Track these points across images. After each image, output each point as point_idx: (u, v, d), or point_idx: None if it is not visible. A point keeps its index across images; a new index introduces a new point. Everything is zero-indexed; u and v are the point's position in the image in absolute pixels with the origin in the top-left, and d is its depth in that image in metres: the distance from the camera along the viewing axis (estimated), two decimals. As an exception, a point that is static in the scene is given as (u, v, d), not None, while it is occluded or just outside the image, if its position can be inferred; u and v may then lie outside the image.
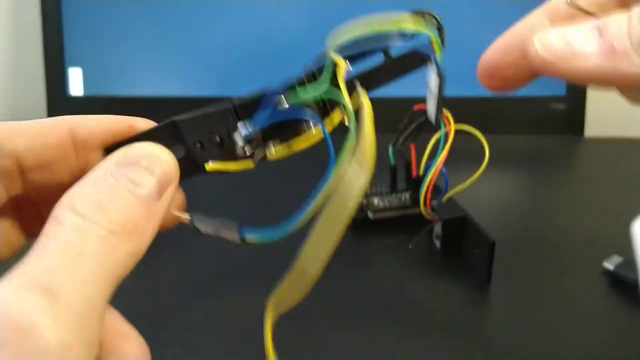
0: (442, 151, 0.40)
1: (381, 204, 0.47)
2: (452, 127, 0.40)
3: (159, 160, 0.22)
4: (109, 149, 0.23)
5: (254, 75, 0.62)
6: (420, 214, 0.44)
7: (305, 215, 0.20)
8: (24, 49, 0.71)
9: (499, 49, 0.28)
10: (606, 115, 0.68)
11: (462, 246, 0.43)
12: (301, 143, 0.24)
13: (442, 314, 0.39)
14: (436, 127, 0.33)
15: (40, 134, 0.22)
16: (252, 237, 0.23)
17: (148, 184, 0.21)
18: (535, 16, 0.28)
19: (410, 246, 0.44)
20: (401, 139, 0.43)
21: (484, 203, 0.51)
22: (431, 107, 0.27)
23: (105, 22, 0.65)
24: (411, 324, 0.38)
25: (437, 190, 0.43)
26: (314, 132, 0.23)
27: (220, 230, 0.24)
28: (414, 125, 0.42)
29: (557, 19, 0.27)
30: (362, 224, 0.47)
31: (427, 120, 0.28)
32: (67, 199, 0.20)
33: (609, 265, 0.41)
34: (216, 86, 0.65)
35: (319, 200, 0.21)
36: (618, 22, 0.23)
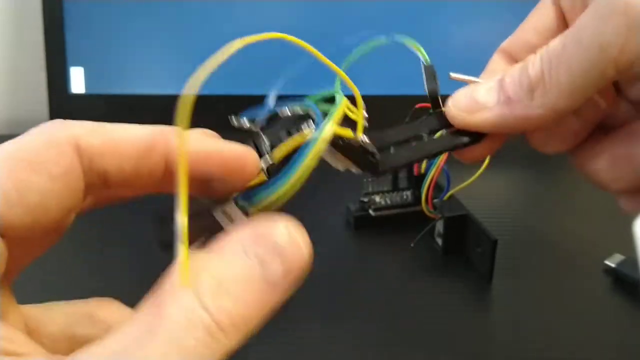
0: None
1: (383, 202, 0.47)
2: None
3: (298, 254, 0.19)
4: (237, 198, 0.21)
5: (254, 74, 0.62)
6: (422, 212, 0.44)
7: (295, 173, 0.20)
8: (26, 48, 0.71)
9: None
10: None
11: (463, 244, 0.43)
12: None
13: (443, 311, 0.39)
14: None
15: (136, 155, 0.20)
16: (244, 202, 0.21)
17: (276, 273, 0.18)
18: (494, 65, 0.29)
19: (411, 244, 0.44)
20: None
21: (486, 201, 0.51)
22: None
23: (106, 21, 0.65)
24: (412, 322, 0.38)
25: (438, 188, 0.43)
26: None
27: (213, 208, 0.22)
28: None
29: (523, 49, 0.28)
30: (363, 222, 0.47)
31: (429, 118, 0.28)
32: (192, 263, 0.18)
33: (611, 263, 0.41)
34: (216, 85, 0.65)
35: (307, 158, 0.20)
36: (512, 74, 0.26)
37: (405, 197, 0.47)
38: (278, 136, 0.22)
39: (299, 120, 0.22)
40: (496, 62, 0.29)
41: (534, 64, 0.25)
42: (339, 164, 0.25)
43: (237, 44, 0.18)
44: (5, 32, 0.72)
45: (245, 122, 0.22)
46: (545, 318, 0.38)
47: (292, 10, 0.63)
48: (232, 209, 0.21)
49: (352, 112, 0.23)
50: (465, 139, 0.27)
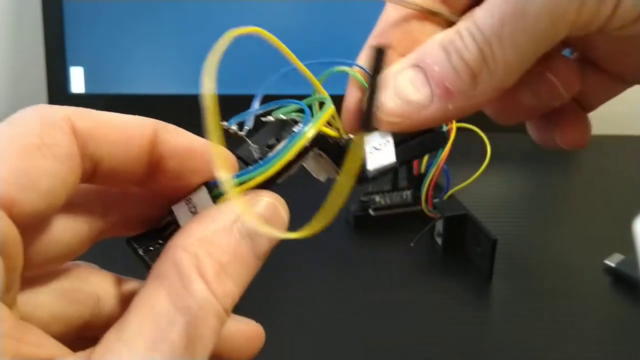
0: (443, 149, 0.40)
1: (383, 202, 0.47)
2: (454, 125, 0.40)
3: (281, 223, 0.20)
4: (209, 185, 0.21)
5: (253, 74, 0.62)
6: (422, 211, 0.43)
7: (281, 156, 0.20)
8: (25, 48, 0.71)
9: (349, 113, 0.25)
10: (608, 113, 0.68)
11: (463, 244, 0.43)
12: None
13: (443, 311, 0.39)
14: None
15: (125, 139, 0.20)
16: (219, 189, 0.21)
17: (264, 246, 0.19)
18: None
19: (411, 244, 0.44)
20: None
21: (486, 201, 0.51)
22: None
23: (106, 21, 0.65)
24: (412, 321, 0.38)
25: (438, 188, 0.43)
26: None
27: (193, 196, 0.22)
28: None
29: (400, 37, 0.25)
30: (363, 222, 0.47)
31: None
32: (193, 249, 0.18)
33: (611, 263, 0.41)
34: (216, 84, 0.65)
35: (295, 143, 0.20)
36: (437, 60, 0.22)
37: (405, 196, 0.47)
38: (266, 142, 0.22)
39: (288, 126, 0.22)
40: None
41: (467, 47, 0.21)
42: (322, 172, 0.24)
43: (228, 37, 0.18)
44: (5, 32, 0.72)
45: (231, 127, 0.22)
46: (545, 318, 0.38)
47: (292, 11, 0.63)
48: (201, 196, 0.21)
49: (334, 119, 0.23)
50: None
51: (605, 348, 0.35)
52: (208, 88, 0.17)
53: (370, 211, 0.47)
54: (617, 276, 0.41)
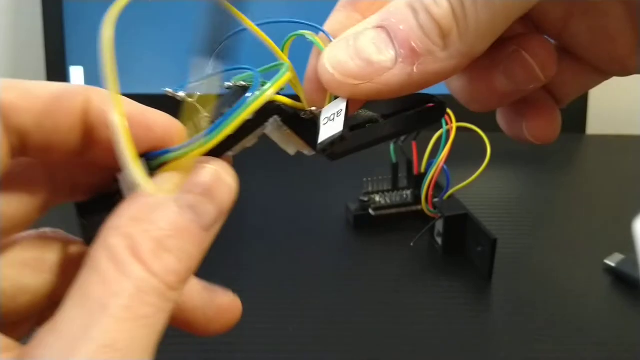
0: (443, 149, 0.40)
1: (383, 202, 0.47)
2: (454, 125, 0.40)
3: (227, 190, 0.19)
4: (149, 155, 0.20)
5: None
6: (422, 211, 0.44)
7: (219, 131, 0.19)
8: (26, 48, 0.72)
9: (311, 82, 0.22)
10: (608, 113, 0.68)
11: (463, 244, 0.43)
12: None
13: (443, 310, 0.39)
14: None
15: (51, 109, 0.19)
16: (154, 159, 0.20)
17: (209, 216, 0.18)
18: (340, 16, 0.23)
19: (411, 243, 0.44)
20: (402, 137, 0.43)
21: (486, 201, 0.51)
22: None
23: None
24: (412, 321, 0.38)
25: (438, 187, 0.43)
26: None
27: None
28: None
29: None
30: (363, 221, 0.47)
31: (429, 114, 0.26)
32: (125, 230, 0.17)
33: (611, 262, 0.41)
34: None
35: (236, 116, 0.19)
36: (403, 18, 0.20)
37: (405, 196, 0.47)
38: (220, 111, 0.21)
39: (242, 92, 0.21)
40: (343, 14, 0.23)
41: (438, 3, 0.19)
42: (290, 145, 0.22)
43: None
44: (5, 32, 0.72)
45: (180, 93, 0.21)
46: (544, 317, 0.38)
47: (292, 11, 0.63)
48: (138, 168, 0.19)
49: (296, 87, 0.22)
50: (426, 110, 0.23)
51: (605, 348, 0.35)
52: (107, 36, 0.16)
53: (370, 211, 0.47)
54: (617, 276, 0.41)
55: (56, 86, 0.19)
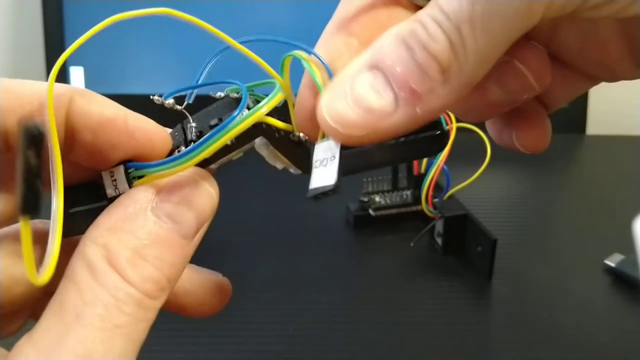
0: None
1: (383, 202, 0.47)
2: (454, 125, 0.40)
3: (206, 197, 0.19)
4: (129, 165, 0.20)
5: (252, 74, 0.62)
6: (422, 211, 0.44)
7: (199, 151, 0.18)
8: (26, 48, 0.72)
9: (303, 111, 0.21)
10: (608, 113, 0.68)
11: (463, 244, 0.43)
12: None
13: (443, 311, 0.39)
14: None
15: (32, 109, 0.19)
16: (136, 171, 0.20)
17: (189, 225, 0.18)
18: (336, 42, 0.21)
19: (411, 244, 0.44)
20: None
21: (486, 201, 0.51)
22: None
23: (106, 20, 0.65)
24: (412, 321, 0.38)
25: (438, 188, 0.43)
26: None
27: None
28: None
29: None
30: (363, 222, 0.47)
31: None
32: (102, 240, 0.17)
33: (611, 263, 0.41)
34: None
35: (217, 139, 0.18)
36: (398, 57, 0.19)
37: (405, 196, 0.47)
38: (207, 122, 0.20)
39: (235, 104, 0.20)
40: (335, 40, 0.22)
41: (434, 38, 0.18)
42: (277, 161, 0.22)
43: (116, 17, 0.18)
44: (5, 32, 0.72)
45: (169, 102, 0.20)
46: (544, 317, 0.38)
47: (292, 11, 0.63)
48: (120, 174, 0.19)
49: (290, 106, 0.21)
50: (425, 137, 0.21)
51: (606, 348, 0.35)
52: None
53: (370, 211, 0.47)
54: (617, 276, 0.41)
55: (41, 86, 0.19)
